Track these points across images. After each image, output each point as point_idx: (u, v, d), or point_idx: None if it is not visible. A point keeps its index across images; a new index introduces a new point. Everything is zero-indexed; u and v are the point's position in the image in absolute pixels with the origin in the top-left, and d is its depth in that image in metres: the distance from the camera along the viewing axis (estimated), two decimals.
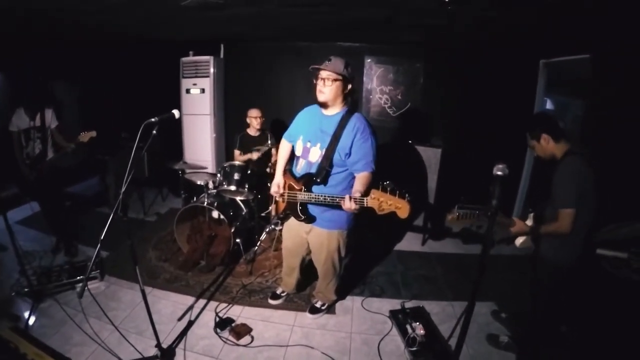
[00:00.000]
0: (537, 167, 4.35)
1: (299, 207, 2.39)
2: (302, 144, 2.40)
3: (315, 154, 2.31)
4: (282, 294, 3.12)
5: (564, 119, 4.11)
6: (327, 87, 2.19)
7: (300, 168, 2.43)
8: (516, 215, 4.60)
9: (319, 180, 2.28)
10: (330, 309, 3.02)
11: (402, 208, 1.79)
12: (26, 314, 2.75)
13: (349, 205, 2.02)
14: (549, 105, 4.48)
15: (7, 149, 3.54)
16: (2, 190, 4.17)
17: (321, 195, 2.24)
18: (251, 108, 4.23)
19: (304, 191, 2.32)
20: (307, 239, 2.63)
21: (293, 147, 2.54)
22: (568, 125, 4.02)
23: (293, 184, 2.40)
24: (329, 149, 2.24)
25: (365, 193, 2.02)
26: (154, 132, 2.11)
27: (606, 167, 2.83)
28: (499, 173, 1.54)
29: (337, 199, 2.14)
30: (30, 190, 3.69)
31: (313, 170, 2.33)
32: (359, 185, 2.14)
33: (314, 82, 2.24)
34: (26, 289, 2.93)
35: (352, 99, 2.32)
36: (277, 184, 2.49)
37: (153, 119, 2.09)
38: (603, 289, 2.45)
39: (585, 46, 3.41)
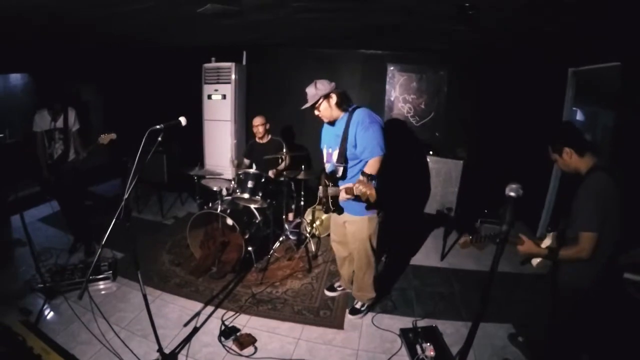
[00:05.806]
0: (565, 183, 4.08)
1: (330, 201, 2.72)
2: (326, 150, 2.80)
3: (336, 156, 2.66)
4: (339, 288, 3.34)
5: (593, 130, 3.89)
6: (321, 112, 2.63)
7: (328, 170, 2.82)
8: (540, 233, 4.34)
9: (338, 175, 2.64)
10: (340, 324, 2.94)
11: (372, 194, 2.09)
12: (37, 310, 2.82)
13: (343, 196, 2.37)
14: (579, 116, 4.20)
15: (30, 149, 3.64)
16: (24, 189, 4.33)
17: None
18: (256, 116, 4.23)
19: (332, 186, 2.69)
20: (346, 227, 2.87)
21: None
22: (598, 137, 3.77)
23: (327, 182, 2.76)
24: (341, 147, 2.60)
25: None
26: (159, 139, 2.13)
27: (636, 183, 2.62)
28: (512, 194, 1.37)
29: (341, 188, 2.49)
30: (50, 189, 3.79)
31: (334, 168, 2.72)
32: (366, 169, 2.45)
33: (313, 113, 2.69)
34: (40, 285, 3.02)
35: (346, 98, 2.64)
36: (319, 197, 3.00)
37: (158, 126, 2.10)
38: (629, 315, 2.23)
39: (615, 54, 3.19)
